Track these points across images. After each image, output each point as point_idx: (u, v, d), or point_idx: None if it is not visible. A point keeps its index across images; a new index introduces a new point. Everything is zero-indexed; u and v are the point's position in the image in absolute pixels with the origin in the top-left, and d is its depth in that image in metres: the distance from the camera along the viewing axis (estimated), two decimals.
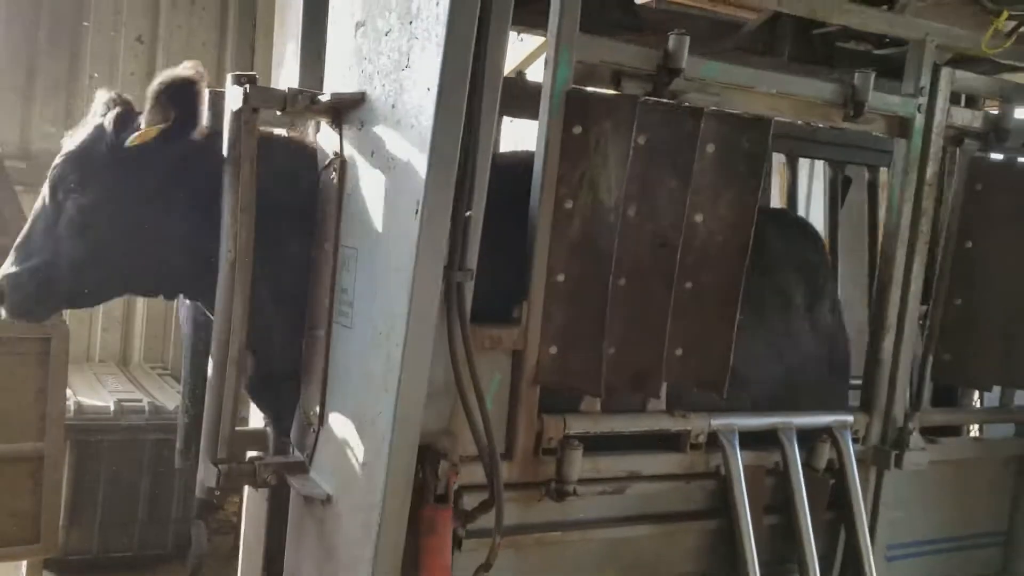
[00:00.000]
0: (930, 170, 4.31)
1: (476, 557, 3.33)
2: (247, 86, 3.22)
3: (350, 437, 3.24)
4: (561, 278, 3.47)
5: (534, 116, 3.48)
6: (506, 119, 4.66)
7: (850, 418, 4.26)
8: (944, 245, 4.53)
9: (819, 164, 6.16)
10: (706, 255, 3.65)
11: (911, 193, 4.30)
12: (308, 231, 3.50)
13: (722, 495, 3.94)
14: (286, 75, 4.01)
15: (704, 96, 3.73)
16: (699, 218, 3.63)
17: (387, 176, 3.12)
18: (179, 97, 3.35)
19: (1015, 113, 4.53)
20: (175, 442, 4.12)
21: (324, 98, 3.33)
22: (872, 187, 5.82)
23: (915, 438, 4.40)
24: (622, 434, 3.77)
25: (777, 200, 6.13)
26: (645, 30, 4.39)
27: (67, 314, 6.30)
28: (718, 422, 3.90)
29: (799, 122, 5.01)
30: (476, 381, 3.20)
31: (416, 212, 2.94)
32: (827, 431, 4.18)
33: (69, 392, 5.49)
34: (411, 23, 3.02)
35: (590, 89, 3.54)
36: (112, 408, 5.86)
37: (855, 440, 4.26)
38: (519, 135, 4.98)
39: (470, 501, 3.34)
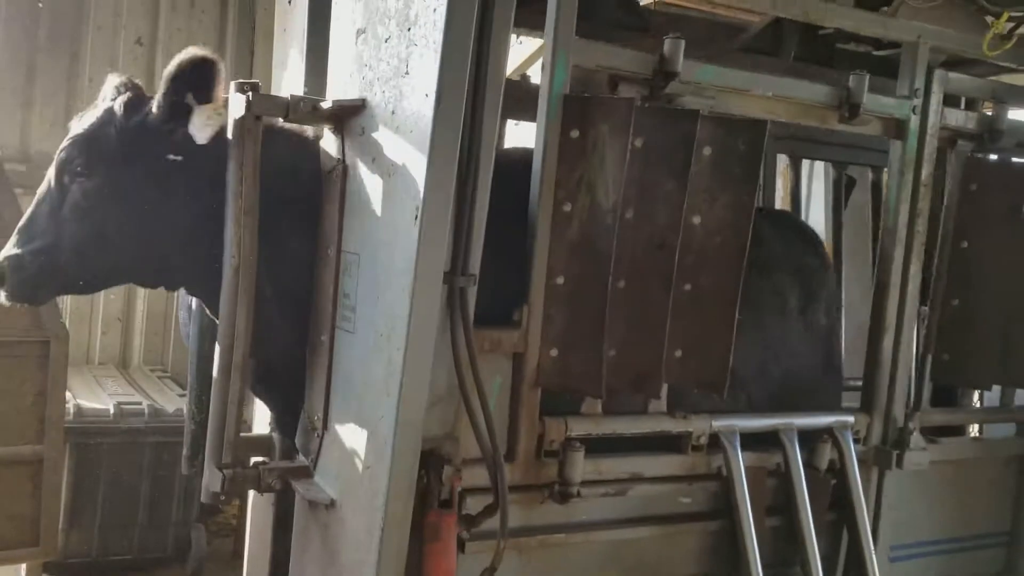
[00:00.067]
0: (925, 171, 4.35)
1: (480, 559, 3.34)
2: (250, 93, 3.22)
3: (353, 441, 3.25)
4: (561, 280, 3.49)
5: None
6: (510, 122, 4.67)
7: (851, 418, 4.28)
8: (940, 245, 4.56)
9: (819, 164, 6.18)
10: (704, 257, 3.67)
11: (907, 194, 4.33)
12: (309, 223, 3.51)
13: (724, 496, 3.96)
14: (289, 78, 4.01)
15: (700, 99, 3.76)
16: (696, 220, 3.65)
17: (388, 182, 3.13)
18: (197, 78, 3.34)
19: (1008, 114, 4.56)
20: (175, 445, 4.11)
21: (326, 105, 3.35)
22: (876, 188, 5.85)
23: (916, 438, 4.42)
24: (623, 436, 3.78)
25: (780, 201, 6.14)
26: (650, 31, 4.40)
27: (67, 316, 6.34)
28: (719, 423, 3.92)
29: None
30: (480, 385, 3.22)
31: (416, 217, 2.96)
32: (828, 432, 4.20)
33: (68, 395, 5.48)
34: (410, 30, 3.04)
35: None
36: (112, 411, 5.85)
37: (856, 440, 4.29)
38: (523, 138, 4.98)
39: (473, 503, 3.35)
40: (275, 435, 4.01)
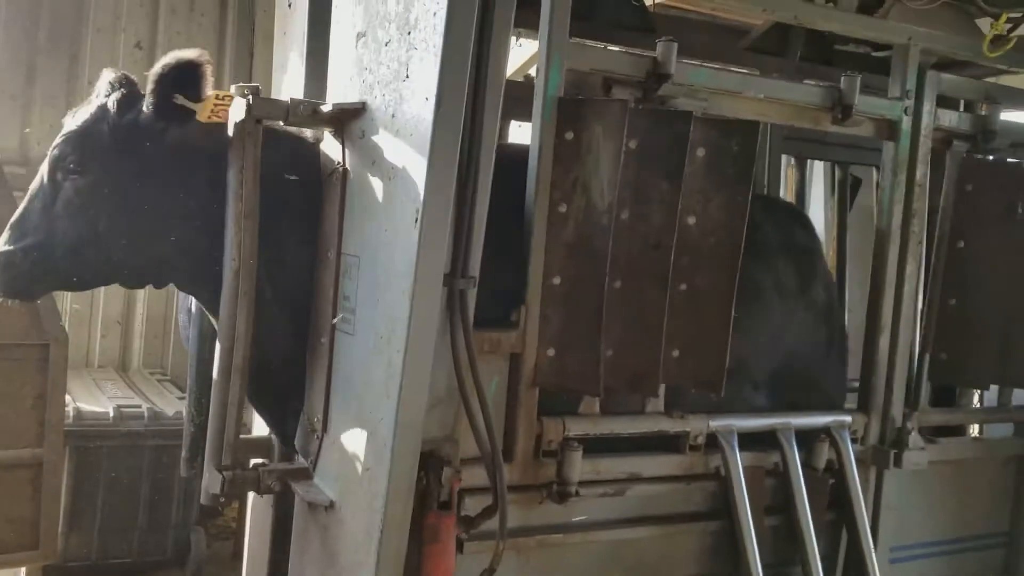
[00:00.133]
0: (919, 172, 4.38)
1: (478, 560, 3.35)
2: (250, 97, 3.23)
3: (353, 443, 3.26)
4: (557, 281, 3.51)
5: None
6: (514, 123, 4.69)
7: (848, 418, 4.30)
8: (937, 246, 4.58)
9: (818, 165, 6.19)
10: (700, 257, 3.70)
11: (900, 194, 4.37)
12: (308, 222, 3.51)
13: (723, 496, 3.98)
14: (289, 81, 4.03)
15: (693, 101, 3.79)
16: (691, 220, 3.68)
17: (388, 185, 3.14)
18: (183, 79, 3.33)
19: (1002, 114, 4.59)
20: (175, 448, 4.11)
21: (326, 108, 3.36)
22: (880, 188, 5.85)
23: (914, 437, 4.44)
24: (621, 436, 3.80)
25: None
26: (655, 32, 4.43)
27: (66, 319, 6.34)
28: (716, 423, 3.94)
29: None
30: (479, 387, 3.23)
31: (416, 220, 2.97)
32: (826, 431, 4.21)
33: (68, 398, 5.49)
34: (410, 33, 3.05)
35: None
36: (111, 414, 5.84)
37: (854, 440, 4.30)
38: (527, 139, 4.99)
39: (471, 503, 3.36)
40: (274, 436, 4.01)
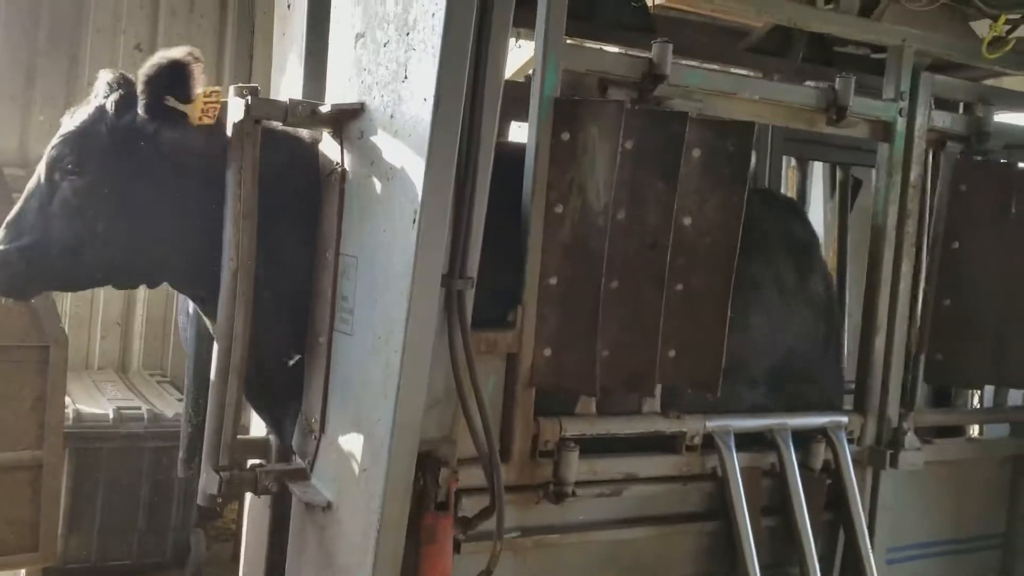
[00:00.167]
0: (914, 173, 4.40)
1: (475, 560, 3.35)
2: (249, 97, 3.24)
3: (350, 443, 3.27)
4: (554, 281, 3.52)
5: None
6: (514, 124, 4.70)
7: (845, 419, 4.31)
8: (932, 246, 4.60)
9: (817, 165, 6.19)
10: (696, 257, 3.71)
11: (895, 195, 4.38)
12: (307, 225, 3.51)
13: (720, 497, 3.98)
14: (287, 82, 4.04)
15: (688, 103, 3.80)
16: (687, 221, 3.69)
17: (386, 185, 3.15)
18: (172, 80, 3.32)
19: (995, 116, 4.60)
20: (174, 450, 4.11)
21: (325, 109, 3.37)
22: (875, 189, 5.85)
23: (910, 438, 4.44)
24: (618, 436, 3.80)
25: None
26: (656, 33, 4.45)
27: (66, 321, 6.35)
28: (713, 424, 3.94)
29: None
30: (477, 388, 3.24)
31: (414, 221, 2.98)
32: (822, 432, 4.22)
33: (68, 400, 5.50)
34: (408, 34, 3.06)
35: None
36: (111, 416, 5.85)
37: (850, 441, 4.31)
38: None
39: (468, 504, 3.37)
40: (272, 438, 4.02)
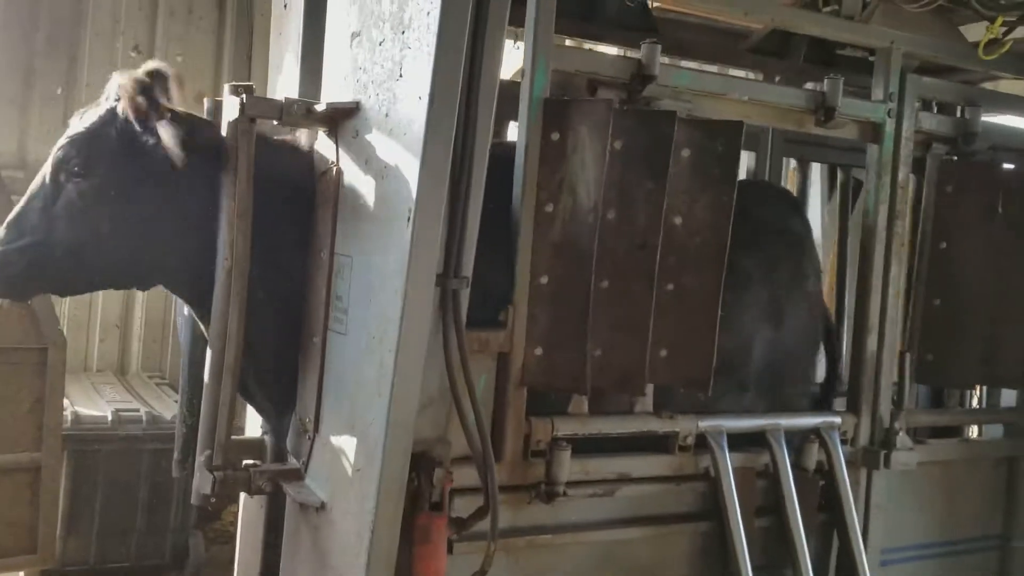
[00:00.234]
0: (902, 173, 4.43)
1: (469, 560, 3.35)
2: (244, 96, 3.25)
3: (344, 443, 3.27)
4: (544, 280, 3.53)
5: None
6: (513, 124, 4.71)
7: (838, 419, 4.32)
8: (920, 247, 4.63)
9: (816, 166, 6.20)
10: (686, 256, 3.72)
11: (885, 196, 4.41)
12: (301, 230, 3.51)
13: (713, 497, 3.98)
14: (284, 82, 4.05)
15: (677, 103, 3.82)
16: (677, 220, 3.71)
17: (381, 184, 3.16)
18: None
19: (982, 117, 4.62)
20: (173, 451, 4.11)
21: (320, 107, 3.37)
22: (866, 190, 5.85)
23: (902, 438, 4.45)
24: (610, 436, 3.80)
25: None
26: (657, 33, 4.46)
27: (64, 323, 6.35)
28: (705, 424, 3.95)
29: None
30: (471, 388, 3.24)
31: (409, 220, 2.98)
32: (815, 432, 4.22)
33: (66, 402, 5.51)
34: (403, 33, 3.07)
35: None
36: (110, 418, 5.85)
37: (844, 441, 4.31)
38: None
39: (460, 504, 3.36)
40: (267, 438, 4.02)
